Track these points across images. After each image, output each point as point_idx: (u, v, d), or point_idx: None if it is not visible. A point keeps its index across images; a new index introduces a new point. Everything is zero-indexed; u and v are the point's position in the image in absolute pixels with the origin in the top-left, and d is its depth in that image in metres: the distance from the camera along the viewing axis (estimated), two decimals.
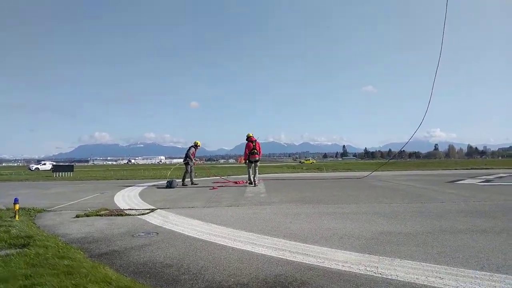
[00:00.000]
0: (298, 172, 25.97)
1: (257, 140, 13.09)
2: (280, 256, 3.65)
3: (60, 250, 3.87)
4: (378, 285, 2.77)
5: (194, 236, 4.70)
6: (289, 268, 3.25)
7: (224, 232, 4.92)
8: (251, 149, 12.77)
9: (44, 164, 53.33)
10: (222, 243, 4.27)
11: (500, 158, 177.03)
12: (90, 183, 16.81)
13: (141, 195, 10.21)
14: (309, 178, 18.13)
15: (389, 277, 2.95)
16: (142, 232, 4.98)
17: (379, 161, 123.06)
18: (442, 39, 12.58)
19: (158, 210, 7.07)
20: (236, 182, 14.12)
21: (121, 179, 19.16)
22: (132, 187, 13.22)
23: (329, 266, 3.28)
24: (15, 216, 5.81)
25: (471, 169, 26.77)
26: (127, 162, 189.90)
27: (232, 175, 20.05)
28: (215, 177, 17.76)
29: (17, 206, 5.96)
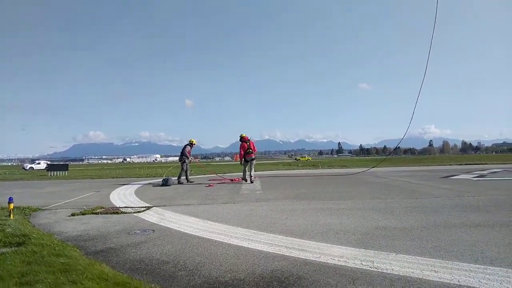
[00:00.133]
0: (293, 169, 26.03)
1: (251, 140, 13.27)
2: (277, 252, 3.66)
3: (56, 248, 3.86)
4: (373, 279, 2.80)
5: (191, 233, 4.70)
6: (286, 263, 3.27)
7: (220, 228, 4.93)
8: (246, 149, 12.93)
9: (39, 163, 52.96)
10: (219, 240, 4.27)
11: (494, 153, 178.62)
12: (85, 182, 16.72)
13: (137, 193, 10.19)
14: (305, 175, 18.18)
15: (385, 271, 2.97)
16: (138, 230, 4.97)
17: (374, 157, 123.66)
18: (432, 36, 12.70)
19: (154, 207, 7.06)
20: (232, 180, 14.13)
21: (117, 178, 19.08)
22: (128, 185, 13.18)
23: (325, 261, 3.30)
24: (10, 215, 5.77)
25: (465, 164, 26.99)
26: (122, 161, 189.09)
27: (228, 173, 20.06)
28: (210, 175, 17.75)
29: (11, 205, 5.91)
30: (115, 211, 6.64)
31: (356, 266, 3.12)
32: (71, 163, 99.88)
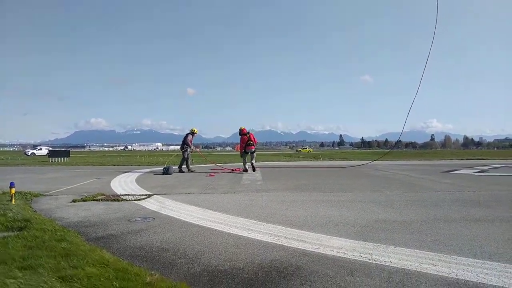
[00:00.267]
0: (294, 161, 26.07)
1: (250, 132, 13.59)
2: (276, 242, 3.68)
3: (57, 233, 3.88)
4: (372, 271, 2.81)
5: (191, 221, 4.73)
6: (285, 254, 3.29)
7: (220, 218, 4.95)
8: (246, 141, 13.25)
9: (40, 149, 53.17)
10: (219, 229, 4.29)
11: (495, 149, 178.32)
12: (86, 168, 16.79)
13: (138, 181, 10.22)
14: (306, 166, 18.20)
15: (383, 263, 2.99)
16: (139, 217, 5.00)
17: (376, 150, 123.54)
18: (435, 30, 12.61)
19: (155, 195, 7.09)
20: (233, 170, 14.16)
21: (118, 165, 19.15)
22: (129, 173, 13.22)
23: (324, 252, 3.32)
24: (11, 200, 5.81)
25: (467, 159, 26.94)
26: (124, 148, 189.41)
27: (229, 163, 20.10)
28: (211, 164, 17.78)
29: (13, 190, 5.94)
30: (116, 198, 6.67)
31: (355, 258, 3.13)
32: (73, 149, 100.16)
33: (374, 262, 3.02)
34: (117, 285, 2.44)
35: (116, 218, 4.95)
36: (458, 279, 2.63)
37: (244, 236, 3.94)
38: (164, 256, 3.25)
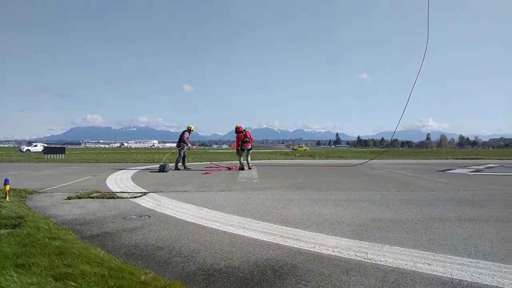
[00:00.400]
0: (291, 159, 26.08)
1: (246, 129, 13.67)
2: (272, 241, 3.68)
3: (51, 231, 3.85)
4: (367, 270, 2.82)
5: (186, 219, 4.71)
6: (280, 252, 3.29)
7: (216, 216, 4.94)
8: (242, 139, 13.33)
9: (36, 145, 52.85)
10: (214, 227, 4.29)
11: (490, 148, 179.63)
12: (82, 165, 16.70)
13: (134, 178, 10.19)
14: (302, 165, 18.22)
15: (378, 262, 2.99)
16: (134, 215, 4.98)
17: (372, 149, 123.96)
18: (428, 29, 12.71)
19: (151, 193, 7.07)
20: (229, 168, 14.16)
21: (114, 162, 19.06)
22: (125, 170, 13.18)
23: (320, 251, 3.32)
24: (5, 197, 5.76)
25: (462, 159, 27.10)
26: (120, 146, 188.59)
27: (225, 161, 20.08)
28: (207, 162, 17.76)
29: (7, 187, 5.90)
30: (112, 195, 6.64)
31: (350, 257, 3.14)
32: (68, 146, 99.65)
33: (369, 261, 3.03)
34: (111, 283, 2.42)
35: (111, 216, 4.93)
36: (452, 278, 2.64)
37: (239, 235, 3.94)
38: (159, 254, 3.24)
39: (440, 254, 3.20)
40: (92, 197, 6.46)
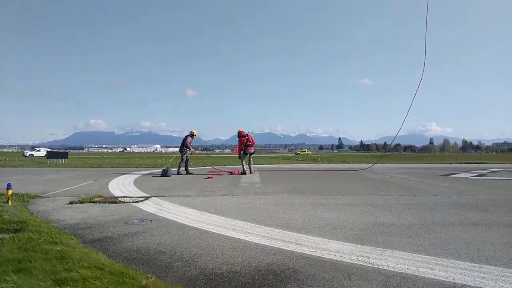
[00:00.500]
0: (293, 163, 26.05)
1: (249, 134, 13.83)
2: (273, 245, 3.67)
3: (53, 235, 3.86)
4: (369, 275, 2.80)
5: (188, 224, 4.71)
6: (282, 257, 3.27)
7: (218, 220, 4.93)
8: (245, 143, 13.47)
9: (39, 150, 53.06)
10: (216, 232, 4.28)
11: (494, 153, 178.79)
12: (84, 170, 16.74)
13: (136, 183, 10.20)
14: (304, 169, 18.19)
15: (380, 267, 2.98)
16: (136, 220, 4.98)
17: (374, 154, 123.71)
18: (426, 33, 12.79)
19: (153, 198, 7.07)
20: (231, 172, 14.15)
21: (116, 167, 19.10)
22: (127, 175, 13.20)
23: (322, 256, 3.31)
24: (8, 202, 5.78)
25: (465, 163, 26.95)
26: (123, 150, 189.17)
27: (228, 166, 20.08)
28: (209, 167, 17.77)
29: (10, 192, 5.92)
30: (113, 200, 6.65)
31: (352, 262, 3.12)
32: (71, 151, 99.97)
33: (372, 265, 3.01)
34: None
35: (113, 220, 4.93)
36: (455, 283, 2.62)
37: (241, 239, 3.93)
38: (160, 259, 3.24)
39: (443, 259, 3.18)
40: (94, 202, 6.47)
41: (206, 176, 12.36)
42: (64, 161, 25.84)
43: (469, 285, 2.58)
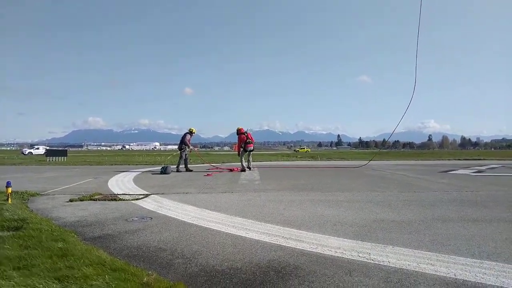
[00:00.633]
0: (292, 161, 26.06)
1: (248, 131, 13.88)
2: (274, 242, 3.67)
3: (53, 233, 3.86)
4: (370, 271, 2.81)
5: (188, 221, 4.71)
6: (282, 254, 3.28)
7: (218, 217, 4.93)
8: (244, 140, 13.52)
9: (38, 148, 53.02)
10: (216, 229, 4.28)
11: (492, 149, 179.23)
12: (83, 168, 16.72)
13: (135, 180, 10.19)
14: (304, 166, 18.20)
15: (381, 263, 2.98)
16: (136, 217, 4.98)
17: (373, 150, 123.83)
18: (418, 31, 12.82)
19: (152, 195, 7.07)
20: (231, 169, 14.15)
21: (115, 165, 19.09)
22: (126, 172, 13.18)
23: (322, 252, 3.31)
24: (7, 199, 5.77)
25: (464, 160, 27.00)
26: (121, 148, 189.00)
27: (227, 163, 20.08)
28: (208, 164, 17.77)
29: (9, 190, 5.91)
30: (113, 197, 6.64)
31: (353, 258, 3.13)
32: (70, 149, 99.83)
33: (372, 262, 3.02)
34: (114, 285, 2.42)
35: (113, 218, 4.92)
36: (456, 279, 2.63)
37: (241, 236, 3.93)
38: (161, 256, 3.24)
39: (444, 255, 3.19)
40: (94, 199, 6.46)
41: (206, 174, 12.36)
42: (63, 159, 25.79)
43: (470, 281, 2.59)
